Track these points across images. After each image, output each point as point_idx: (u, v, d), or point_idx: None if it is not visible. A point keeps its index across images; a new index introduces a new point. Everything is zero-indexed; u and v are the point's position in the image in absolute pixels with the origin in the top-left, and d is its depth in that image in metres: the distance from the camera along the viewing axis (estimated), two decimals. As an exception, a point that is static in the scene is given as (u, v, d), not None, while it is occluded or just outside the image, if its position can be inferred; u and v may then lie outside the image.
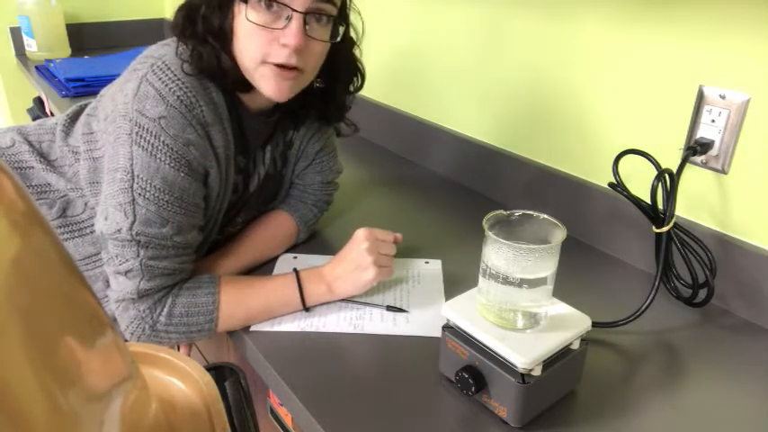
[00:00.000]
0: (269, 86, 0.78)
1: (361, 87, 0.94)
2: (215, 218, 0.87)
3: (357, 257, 0.84)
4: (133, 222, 0.74)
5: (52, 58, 2.00)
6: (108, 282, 0.82)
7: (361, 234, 0.85)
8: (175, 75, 0.75)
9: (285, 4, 0.74)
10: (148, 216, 0.75)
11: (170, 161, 0.75)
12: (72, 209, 0.89)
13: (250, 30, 0.75)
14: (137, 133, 0.74)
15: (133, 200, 0.74)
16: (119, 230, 0.75)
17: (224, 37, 0.78)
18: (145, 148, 0.74)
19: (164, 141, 0.74)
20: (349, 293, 0.85)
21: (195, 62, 0.77)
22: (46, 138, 0.94)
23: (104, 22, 2.30)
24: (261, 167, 0.94)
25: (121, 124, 0.75)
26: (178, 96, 0.75)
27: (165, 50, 0.79)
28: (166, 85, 0.74)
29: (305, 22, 0.75)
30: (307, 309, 0.85)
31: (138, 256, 0.76)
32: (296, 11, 0.74)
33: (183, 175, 0.76)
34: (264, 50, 0.76)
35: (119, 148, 0.75)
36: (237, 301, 0.81)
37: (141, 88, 0.75)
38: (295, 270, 0.85)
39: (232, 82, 0.80)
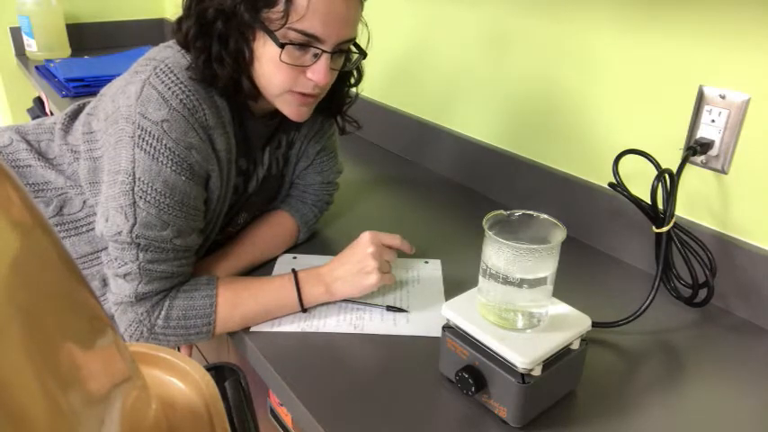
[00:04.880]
0: (290, 111, 0.82)
1: (359, 81, 0.94)
2: (215, 220, 0.87)
3: (361, 261, 0.83)
4: (134, 225, 0.74)
5: (52, 58, 2.00)
6: (104, 281, 0.82)
7: (366, 237, 0.85)
8: (178, 78, 0.75)
9: (317, 47, 0.76)
10: (149, 219, 0.75)
11: (172, 165, 0.75)
12: (69, 207, 0.89)
13: (279, 64, 0.76)
14: (139, 136, 0.74)
15: (134, 202, 0.74)
16: (119, 233, 0.75)
17: (243, 60, 0.78)
18: (147, 151, 0.74)
19: (166, 145, 0.74)
20: (348, 295, 0.85)
21: (207, 78, 0.77)
22: (44, 137, 0.94)
23: (104, 22, 2.30)
24: (260, 168, 0.93)
25: (124, 126, 0.75)
26: (181, 100, 0.75)
27: (167, 53, 0.78)
28: (169, 89, 0.74)
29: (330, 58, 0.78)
30: (304, 310, 0.85)
31: (137, 259, 0.75)
32: (325, 51, 0.76)
33: (184, 178, 0.76)
34: (292, 83, 0.78)
35: (120, 151, 0.75)
36: (235, 304, 0.81)
37: (144, 91, 0.74)
38: (293, 271, 0.85)
39: (243, 97, 0.81)
